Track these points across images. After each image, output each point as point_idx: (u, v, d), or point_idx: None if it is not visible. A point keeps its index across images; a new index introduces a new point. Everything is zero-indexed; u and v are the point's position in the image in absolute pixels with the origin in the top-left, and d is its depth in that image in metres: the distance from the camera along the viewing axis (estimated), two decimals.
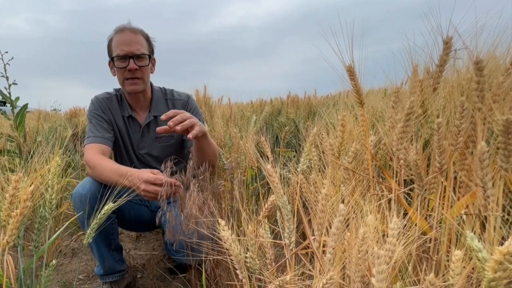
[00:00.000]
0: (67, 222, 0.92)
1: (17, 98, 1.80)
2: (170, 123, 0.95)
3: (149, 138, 1.30)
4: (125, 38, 1.18)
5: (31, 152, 0.69)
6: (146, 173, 0.94)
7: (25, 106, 1.81)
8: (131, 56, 1.17)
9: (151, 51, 1.26)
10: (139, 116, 1.30)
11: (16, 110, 1.76)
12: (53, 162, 0.72)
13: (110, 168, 1.05)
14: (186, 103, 1.32)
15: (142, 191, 0.93)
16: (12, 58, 1.88)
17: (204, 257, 0.83)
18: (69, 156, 2.17)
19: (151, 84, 1.32)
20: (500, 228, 0.46)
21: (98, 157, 1.11)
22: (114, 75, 1.25)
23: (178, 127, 0.95)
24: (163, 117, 0.97)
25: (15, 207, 0.59)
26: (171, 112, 0.97)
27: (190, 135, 0.97)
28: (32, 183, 0.61)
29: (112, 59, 1.20)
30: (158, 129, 0.99)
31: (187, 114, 0.98)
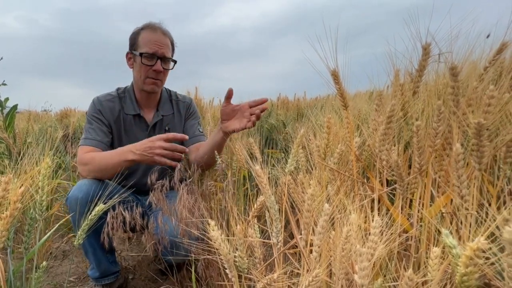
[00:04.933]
0: (58, 224, 0.92)
1: (7, 99, 1.79)
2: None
3: None
4: (158, 38, 1.18)
5: (21, 154, 0.69)
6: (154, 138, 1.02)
7: (15, 107, 1.79)
8: (159, 57, 1.18)
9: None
10: (146, 115, 1.30)
11: (5, 111, 1.74)
12: (43, 164, 0.72)
13: (108, 153, 1.08)
14: (189, 106, 1.39)
15: (158, 149, 0.98)
16: (1, 58, 1.87)
17: (195, 257, 0.84)
18: (60, 158, 2.15)
19: None
20: (477, 226, 0.49)
21: (90, 154, 1.12)
22: (131, 68, 1.25)
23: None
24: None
25: (5, 208, 0.59)
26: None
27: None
28: (22, 184, 0.61)
29: (140, 54, 1.18)
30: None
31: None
